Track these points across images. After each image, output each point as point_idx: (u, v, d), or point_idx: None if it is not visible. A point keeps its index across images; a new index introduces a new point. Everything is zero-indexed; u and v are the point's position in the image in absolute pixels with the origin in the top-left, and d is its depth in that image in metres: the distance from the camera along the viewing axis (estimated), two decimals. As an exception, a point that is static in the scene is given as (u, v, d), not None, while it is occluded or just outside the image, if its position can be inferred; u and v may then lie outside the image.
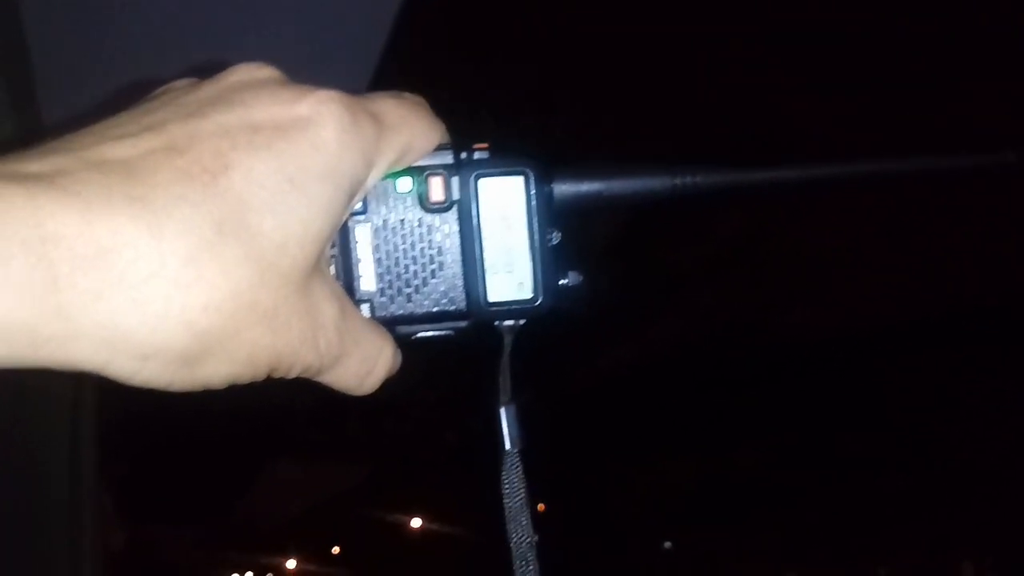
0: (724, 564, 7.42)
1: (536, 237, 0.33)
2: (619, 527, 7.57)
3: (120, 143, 0.26)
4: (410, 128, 0.31)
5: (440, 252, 0.33)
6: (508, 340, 0.35)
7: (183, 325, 0.24)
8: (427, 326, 0.34)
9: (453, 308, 0.33)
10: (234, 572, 15.37)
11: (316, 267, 0.28)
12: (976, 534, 6.52)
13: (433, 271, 0.33)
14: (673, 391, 7.39)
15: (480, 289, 0.33)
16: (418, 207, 0.33)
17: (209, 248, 0.25)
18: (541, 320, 0.34)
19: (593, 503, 7.22)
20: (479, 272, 0.33)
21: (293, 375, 0.29)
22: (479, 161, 0.33)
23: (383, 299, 0.33)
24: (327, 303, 0.29)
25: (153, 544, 10.06)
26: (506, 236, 0.33)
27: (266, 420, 9.76)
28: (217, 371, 0.26)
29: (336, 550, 14.10)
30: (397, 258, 0.33)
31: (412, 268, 0.33)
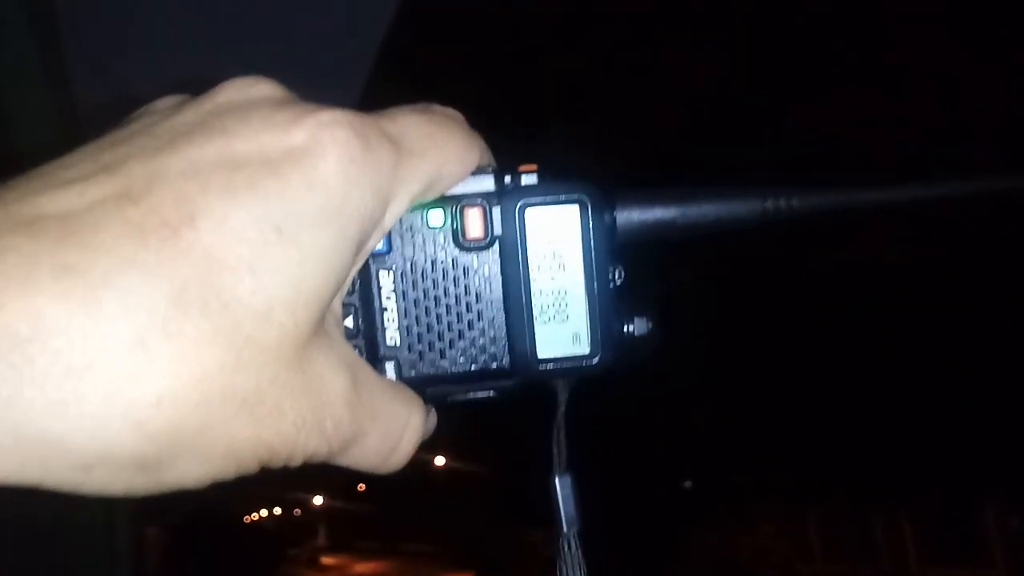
0: (744, 503, 7.48)
1: (595, 278, 0.27)
2: (641, 466, 7.64)
3: (65, 191, 0.20)
4: (439, 151, 0.25)
5: (479, 299, 0.27)
6: (563, 397, 0.29)
7: (131, 426, 0.19)
8: (464, 387, 0.28)
9: (495, 366, 0.28)
10: (263, 507, 15.82)
11: (317, 331, 0.23)
12: (999, 478, 6.51)
13: (470, 321, 0.27)
14: (696, 332, 7.35)
15: (527, 343, 0.27)
16: (453, 244, 0.27)
17: (163, 325, 0.19)
18: (602, 377, 0.29)
19: (615, 443, 7.28)
20: (526, 322, 0.27)
21: (296, 464, 0.23)
22: (526, 188, 0.27)
23: (411, 356, 0.27)
24: (333, 374, 0.23)
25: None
26: (559, 278, 0.27)
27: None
28: (187, 473, 0.21)
29: (362, 487, 14.45)
30: (427, 307, 0.27)
31: (446, 318, 0.27)
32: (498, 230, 0.27)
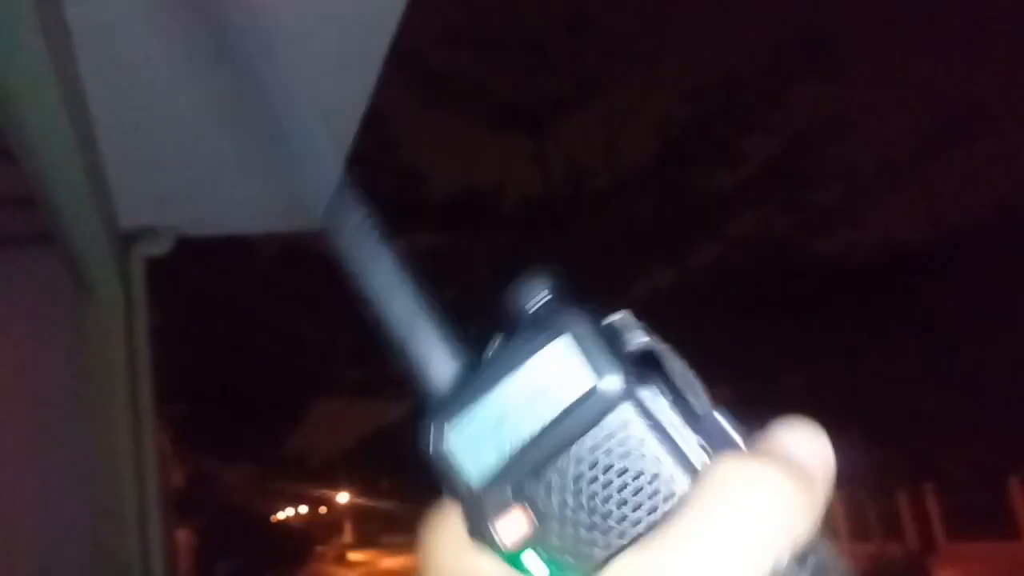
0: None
1: None
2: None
3: None
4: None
5: None
6: None
7: None
8: None
9: None
10: (289, 506, 15.90)
11: None
12: (1022, 450, 6.47)
13: None
14: (711, 318, 7.33)
15: None
16: None
17: None
18: None
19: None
20: None
21: None
22: None
23: None
24: None
25: (212, 479, 10.41)
26: None
27: (311, 361, 9.90)
28: None
29: (386, 484, 14.48)
30: None
31: None
32: None
